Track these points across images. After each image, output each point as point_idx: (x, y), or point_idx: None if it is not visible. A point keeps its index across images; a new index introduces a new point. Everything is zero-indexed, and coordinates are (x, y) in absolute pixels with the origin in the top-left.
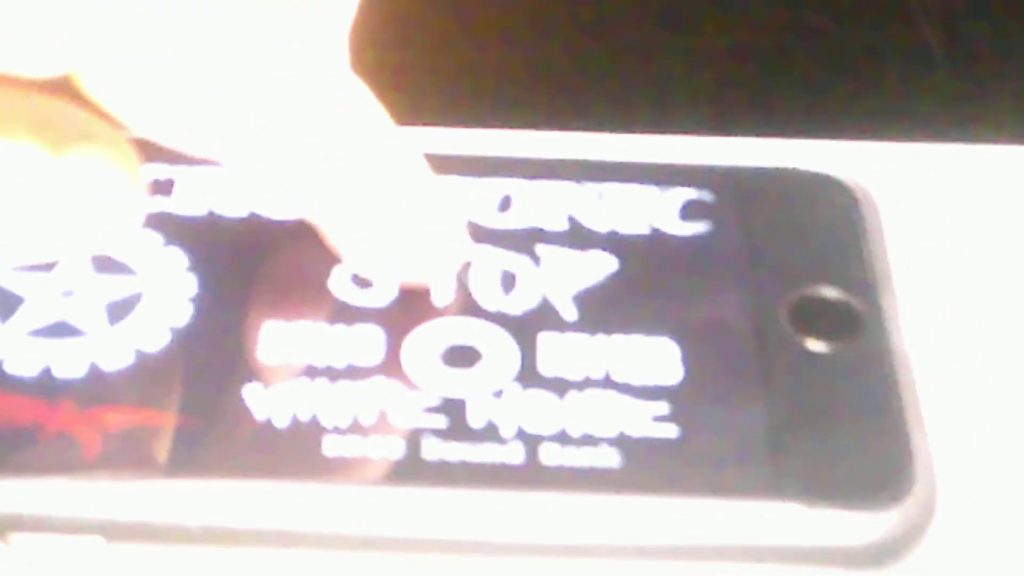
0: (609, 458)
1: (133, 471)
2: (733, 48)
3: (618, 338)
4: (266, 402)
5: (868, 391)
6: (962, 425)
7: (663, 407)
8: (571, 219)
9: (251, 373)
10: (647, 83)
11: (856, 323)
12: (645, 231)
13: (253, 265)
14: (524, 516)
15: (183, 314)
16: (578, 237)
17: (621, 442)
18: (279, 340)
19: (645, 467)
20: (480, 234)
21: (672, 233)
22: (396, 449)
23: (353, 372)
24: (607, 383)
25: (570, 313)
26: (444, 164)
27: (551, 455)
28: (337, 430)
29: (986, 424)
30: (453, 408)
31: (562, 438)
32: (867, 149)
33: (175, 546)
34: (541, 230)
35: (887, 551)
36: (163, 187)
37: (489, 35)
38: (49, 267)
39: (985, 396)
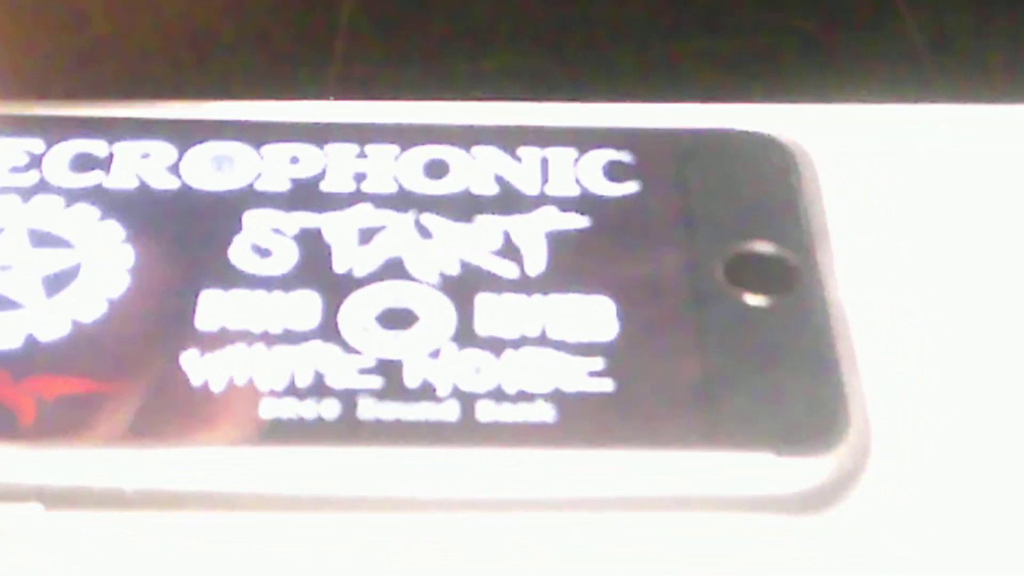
0: (545, 413)
1: (70, 438)
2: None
3: (554, 297)
4: (203, 368)
5: (803, 343)
6: (897, 375)
7: (598, 362)
8: (501, 181)
9: (188, 340)
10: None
11: (791, 277)
12: (575, 193)
13: (188, 236)
14: (461, 472)
15: (120, 285)
16: (509, 200)
17: (557, 397)
18: (215, 307)
19: (581, 421)
20: (413, 200)
21: (602, 194)
22: (332, 410)
23: (290, 336)
24: (543, 341)
25: (506, 273)
26: (373, 133)
27: (487, 412)
28: (274, 393)
29: (920, 374)
30: (389, 369)
31: (498, 395)
32: (808, 111)
33: (114, 512)
34: (473, 194)
35: (822, 497)
36: (101, 163)
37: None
38: None
39: (920, 349)
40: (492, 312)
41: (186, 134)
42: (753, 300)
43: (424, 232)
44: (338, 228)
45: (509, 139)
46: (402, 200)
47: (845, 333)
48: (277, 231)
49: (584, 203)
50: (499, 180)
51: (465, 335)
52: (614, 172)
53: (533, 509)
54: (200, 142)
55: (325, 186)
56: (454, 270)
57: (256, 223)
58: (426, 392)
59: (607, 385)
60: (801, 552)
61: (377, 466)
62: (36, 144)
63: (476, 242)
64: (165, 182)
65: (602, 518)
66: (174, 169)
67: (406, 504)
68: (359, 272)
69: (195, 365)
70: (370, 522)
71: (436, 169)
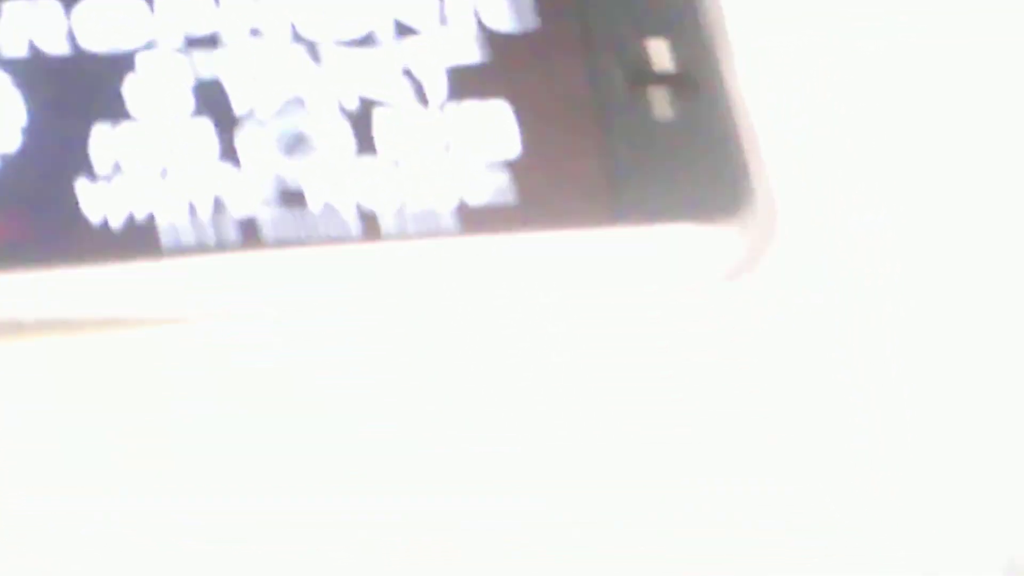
0: (445, 213)
1: None
2: None
3: (455, 115)
4: (100, 197)
5: (708, 133)
6: (800, 158)
7: (499, 166)
8: (399, 16)
9: (82, 171)
10: None
11: (695, 77)
12: (473, 22)
13: (81, 78)
14: (366, 283)
15: (13, 122)
16: (408, 33)
17: (460, 205)
18: (110, 141)
19: (483, 217)
20: (309, 36)
21: (500, 26)
22: (232, 232)
23: (187, 166)
24: (445, 152)
25: (406, 100)
26: None
27: (388, 220)
28: (171, 220)
29: (826, 160)
30: (289, 190)
31: (400, 211)
32: None
33: (11, 339)
34: (372, 30)
35: (730, 267)
36: None
37: None
38: None
39: (825, 137)
40: (391, 132)
41: None
42: (657, 102)
43: (322, 65)
44: (234, 64)
45: None
46: (298, 36)
47: (748, 125)
48: (170, 70)
49: (483, 34)
50: (397, 14)
51: (365, 154)
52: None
53: (443, 299)
54: None
55: (220, 25)
56: (351, 95)
57: (149, 62)
58: (327, 210)
59: (508, 184)
60: (718, 319)
61: (284, 284)
62: None
63: (375, 74)
64: (56, 36)
65: (523, 306)
66: (64, 21)
67: (311, 309)
68: (256, 104)
69: (91, 194)
70: (276, 334)
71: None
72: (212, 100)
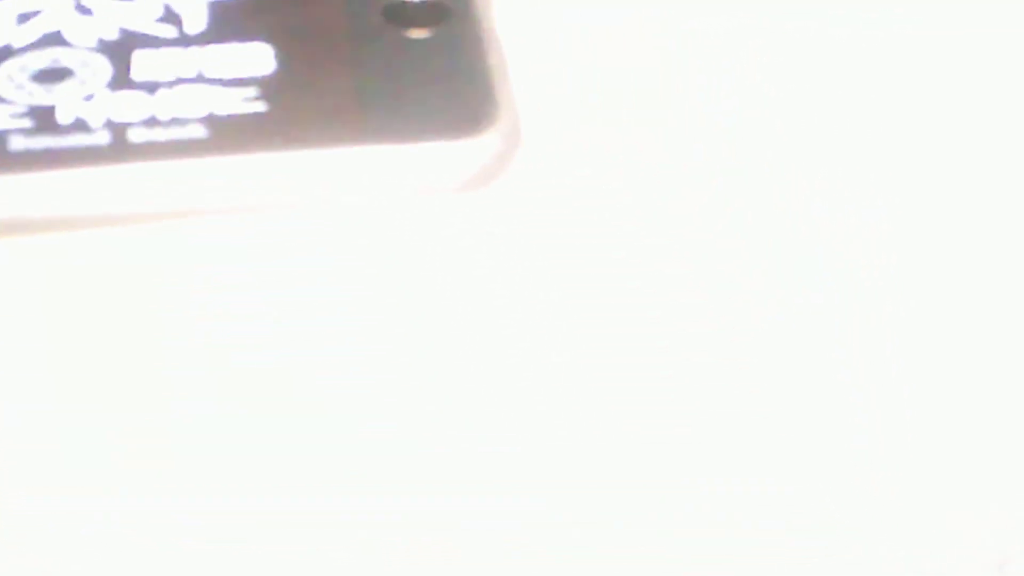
0: (197, 131)
1: None
2: None
3: (212, 47)
4: None
5: (457, 62)
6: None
7: (253, 91)
8: None
9: None
10: None
11: (446, 5)
12: None
13: None
14: (114, 189)
15: None
16: None
17: (211, 120)
18: None
19: (234, 135)
20: None
21: None
22: None
23: None
24: (199, 79)
25: (165, 34)
26: None
27: (139, 135)
28: None
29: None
30: (41, 112)
31: (150, 122)
32: None
33: None
34: None
35: (481, 175)
36: None
37: None
38: None
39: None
40: (149, 63)
41: None
42: (410, 33)
43: (83, 10)
44: None
45: None
46: None
47: (496, 49)
48: None
49: None
50: None
51: (120, 82)
52: None
53: (192, 215)
54: None
55: None
56: (112, 35)
57: None
58: (78, 125)
59: (262, 107)
60: (467, 228)
61: (30, 191)
62: None
63: (135, 12)
64: None
65: (276, 222)
66: None
67: (60, 223)
68: (16, 43)
69: None
70: (28, 244)
71: None
72: None
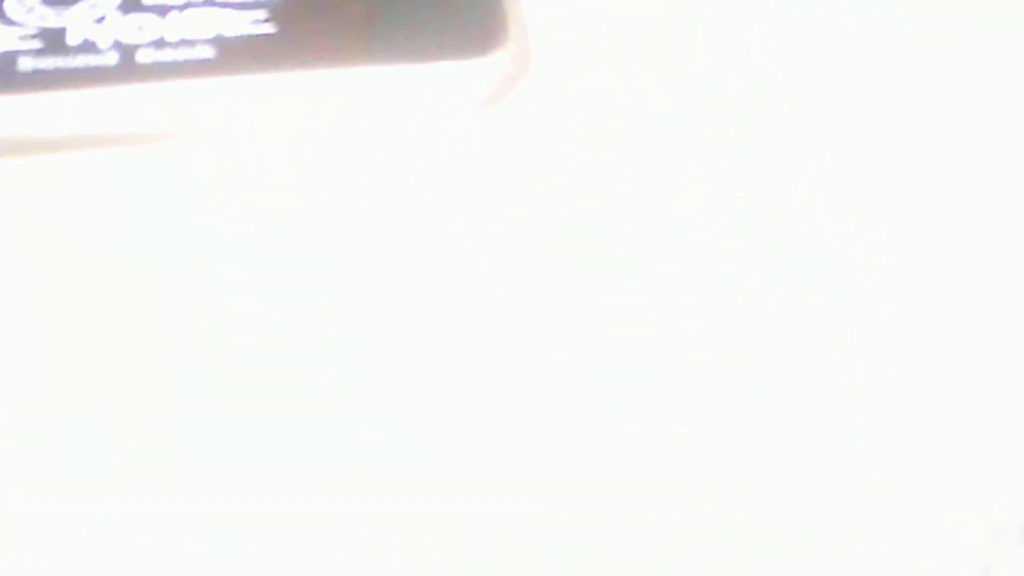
0: (206, 52)
1: None
2: None
3: None
4: None
5: None
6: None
7: (263, 13)
8: None
9: None
10: None
11: None
12: None
13: None
14: (122, 109)
15: None
16: None
17: (219, 41)
18: None
19: (244, 56)
20: None
21: None
22: None
23: None
24: (209, 2)
25: None
26: None
27: (147, 56)
28: None
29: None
30: (52, 34)
31: (159, 43)
32: None
33: None
34: None
35: (490, 93)
36: None
37: None
38: None
39: None
40: None
41: None
42: None
43: None
44: None
45: None
46: None
47: None
48: None
49: None
50: None
51: (131, 5)
52: None
53: (198, 135)
54: None
55: None
56: None
57: None
58: (86, 47)
59: (271, 28)
60: (486, 146)
61: (38, 110)
62: None
63: None
64: None
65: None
66: None
67: (68, 143)
68: None
69: None
70: (44, 165)
71: None
72: None
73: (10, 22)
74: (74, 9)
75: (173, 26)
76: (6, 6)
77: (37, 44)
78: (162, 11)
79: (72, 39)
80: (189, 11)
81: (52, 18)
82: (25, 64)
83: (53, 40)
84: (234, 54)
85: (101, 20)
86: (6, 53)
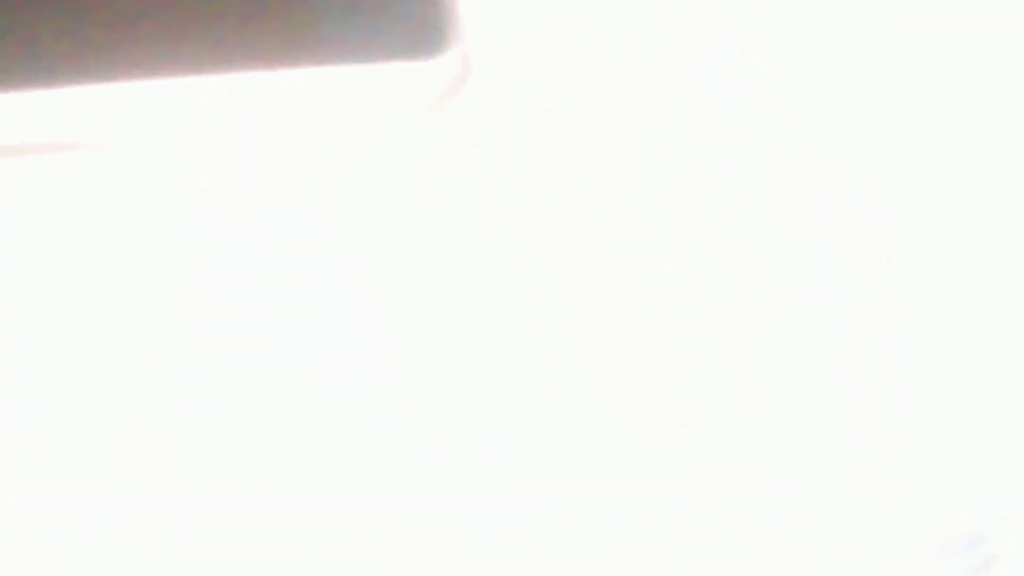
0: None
1: None
2: None
3: None
4: None
5: None
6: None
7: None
8: None
9: None
10: None
11: None
12: None
13: None
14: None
15: None
16: None
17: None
18: None
19: (190, 60)
20: None
21: None
22: None
23: None
24: None
25: None
26: None
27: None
28: None
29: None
30: None
31: None
32: None
33: None
34: None
35: (433, 97)
36: None
37: None
38: None
39: None
40: None
41: None
42: None
43: None
44: None
45: None
46: None
47: None
48: None
49: None
50: None
51: None
52: None
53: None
54: None
55: None
56: None
57: None
58: None
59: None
60: (427, 147)
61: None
62: None
63: None
64: None
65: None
66: None
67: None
68: None
69: None
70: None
71: None
72: None
73: None
74: None
75: None
76: None
77: None
78: None
79: None
80: None
81: None
82: None
83: None
84: (179, 55)
85: None
86: None
